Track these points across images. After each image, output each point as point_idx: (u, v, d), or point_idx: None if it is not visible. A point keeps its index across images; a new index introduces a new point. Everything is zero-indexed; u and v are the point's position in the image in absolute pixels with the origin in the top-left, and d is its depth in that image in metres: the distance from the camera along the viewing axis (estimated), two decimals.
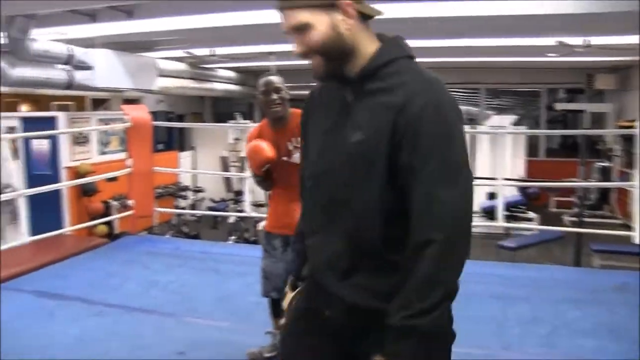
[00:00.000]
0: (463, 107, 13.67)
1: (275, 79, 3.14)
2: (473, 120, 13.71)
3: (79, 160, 8.39)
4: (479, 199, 9.69)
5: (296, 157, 3.04)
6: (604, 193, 11.36)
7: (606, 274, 5.74)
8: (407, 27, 6.32)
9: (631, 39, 7.09)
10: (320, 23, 1.48)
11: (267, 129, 3.25)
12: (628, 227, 9.75)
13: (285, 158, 3.13)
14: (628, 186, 7.33)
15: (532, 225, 9.32)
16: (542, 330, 3.78)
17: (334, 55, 1.51)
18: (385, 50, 1.55)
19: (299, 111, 3.09)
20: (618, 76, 11.80)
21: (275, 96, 3.09)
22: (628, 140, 10.11)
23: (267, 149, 3.10)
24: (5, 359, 3.19)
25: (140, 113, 6.24)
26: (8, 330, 3.82)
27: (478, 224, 8.77)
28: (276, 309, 3.33)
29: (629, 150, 10.28)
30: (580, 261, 6.81)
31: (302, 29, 1.50)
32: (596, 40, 7.43)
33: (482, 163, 9.86)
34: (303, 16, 1.49)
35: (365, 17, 1.54)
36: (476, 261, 6.72)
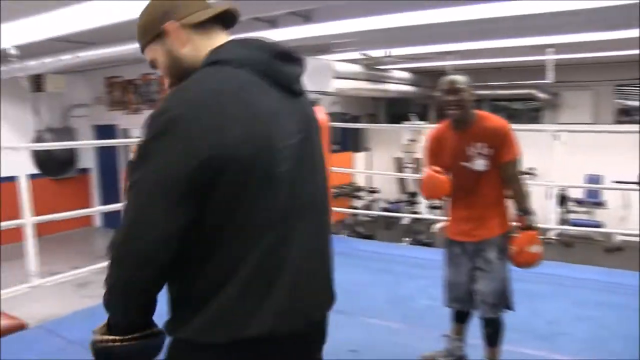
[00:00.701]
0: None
1: (457, 78, 2.96)
2: None
3: None
4: None
5: (478, 163, 2.90)
6: None
7: None
8: (592, 19, 5.87)
9: None
10: (160, 55, 1.49)
11: (448, 130, 3.08)
12: None
13: (464, 163, 2.97)
14: None
15: None
16: None
17: (183, 76, 1.41)
18: (204, 60, 1.43)
19: (486, 114, 2.97)
20: None
21: (452, 97, 2.92)
22: None
23: (444, 185, 3.02)
24: None
25: (319, 114, 6.36)
26: None
27: None
28: (458, 315, 3.20)
29: None
30: None
31: (154, 65, 1.53)
32: None
33: None
34: (148, 54, 1.52)
35: (203, 24, 1.47)
36: None
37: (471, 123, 2.94)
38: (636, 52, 9.05)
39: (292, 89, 1.50)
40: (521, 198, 2.96)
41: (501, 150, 2.88)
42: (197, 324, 1.33)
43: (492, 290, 2.94)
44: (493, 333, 3.01)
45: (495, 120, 2.96)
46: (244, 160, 1.29)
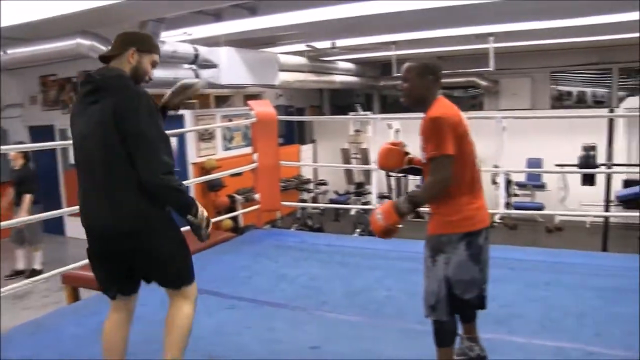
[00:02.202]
0: (590, 89, 12.96)
1: (407, 65, 2.83)
2: (603, 103, 12.94)
3: (204, 156, 8.66)
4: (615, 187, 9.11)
5: (422, 155, 2.79)
6: None
7: None
8: (530, 8, 6.00)
9: None
10: None
11: None
12: None
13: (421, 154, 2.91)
14: None
15: None
16: None
17: None
18: None
19: (441, 103, 2.80)
20: None
21: (401, 84, 2.86)
22: None
23: (397, 156, 3.09)
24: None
25: (265, 108, 6.31)
26: (148, 322, 3.98)
27: (614, 213, 8.24)
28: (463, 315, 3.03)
29: None
30: None
31: None
32: None
33: (618, 148, 9.21)
34: None
35: None
36: (615, 254, 6.35)
37: (425, 112, 2.78)
38: (571, 40, 9.34)
39: None
40: (423, 190, 2.82)
41: (426, 146, 2.73)
42: None
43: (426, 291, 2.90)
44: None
45: (433, 111, 2.72)
46: None
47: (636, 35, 9.12)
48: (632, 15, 6.94)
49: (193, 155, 8.56)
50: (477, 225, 2.77)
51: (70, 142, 2.75)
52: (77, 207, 2.74)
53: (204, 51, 7.65)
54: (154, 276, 2.78)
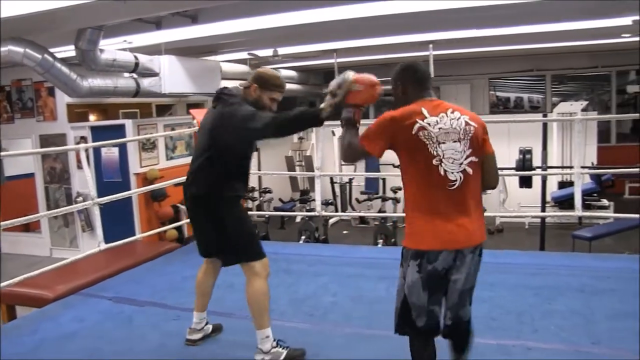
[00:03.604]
0: (527, 95, 13.40)
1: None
2: (538, 108, 13.39)
3: (147, 166, 8.53)
4: (550, 189, 9.43)
5: None
6: None
7: None
8: (469, 16, 6.15)
9: None
10: None
11: None
12: None
13: None
14: None
15: (607, 213, 9.00)
16: (632, 324, 3.60)
17: None
18: None
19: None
20: None
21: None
22: None
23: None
24: None
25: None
26: (89, 337, 3.90)
27: (550, 214, 8.54)
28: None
29: None
30: None
31: None
32: None
33: (553, 151, 9.54)
34: None
35: None
36: (552, 252, 6.59)
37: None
38: (508, 47, 9.63)
39: None
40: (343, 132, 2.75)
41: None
42: None
43: None
44: None
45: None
46: None
47: (567, 44, 9.52)
48: (562, 26, 7.24)
49: (135, 166, 8.41)
50: (426, 245, 2.55)
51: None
52: (13, 220, 2.67)
53: (145, 59, 7.55)
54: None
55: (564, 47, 10.36)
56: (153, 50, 7.41)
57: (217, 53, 8.91)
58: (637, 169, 5.95)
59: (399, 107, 2.67)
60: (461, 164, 2.55)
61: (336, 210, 10.36)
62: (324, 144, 10.83)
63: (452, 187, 2.53)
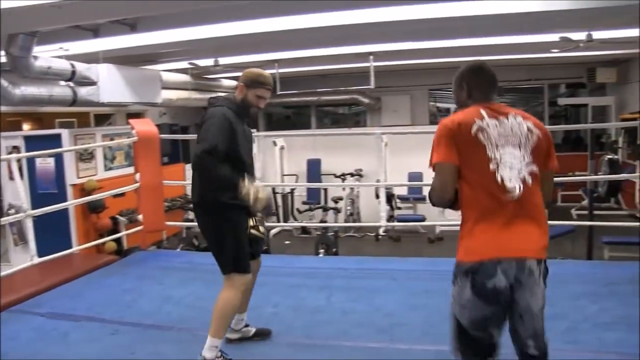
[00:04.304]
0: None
1: None
2: None
3: (84, 177, 8.32)
4: None
5: None
6: (614, 185, 11.28)
7: (618, 266, 5.72)
8: (408, 29, 6.28)
9: (632, 32, 7.08)
10: None
11: None
12: (635, 218, 9.76)
13: None
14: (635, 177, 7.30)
15: None
16: (562, 325, 3.70)
17: None
18: None
19: None
20: (618, 69, 11.79)
21: None
22: (631, 132, 10.34)
23: None
24: None
25: (146, 126, 6.16)
26: (23, 354, 3.76)
27: None
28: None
29: (632, 142, 10.33)
30: (592, 254, 6.77)
31: None
32: (598, 34, 7.37)
33: None
34: None
35: None
36: None
37: None
38: (448, 60, 9.85)
39: None
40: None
41: None
42: None
43: None
44: None
45: None
46: None
47: (506, 57, 9.81)
48: (495, 40, 7.49)
49: (72, 177, 8.19)
50: (480, 255, 2.35)
51: None
52: None
53: (82, 68, 7.38)
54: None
55: (502, 60, 10.68)
56: (91, 58, 7.26)
57: (157, 62, 8.81)
58: (568, 178, 6.17)
59: (460, 109, 2.53)
60: (520, 170, 2.34)
61: (278, 221, 10.35)
62: (265, 154, 10.87)
63: (511, 195, 2.31)
